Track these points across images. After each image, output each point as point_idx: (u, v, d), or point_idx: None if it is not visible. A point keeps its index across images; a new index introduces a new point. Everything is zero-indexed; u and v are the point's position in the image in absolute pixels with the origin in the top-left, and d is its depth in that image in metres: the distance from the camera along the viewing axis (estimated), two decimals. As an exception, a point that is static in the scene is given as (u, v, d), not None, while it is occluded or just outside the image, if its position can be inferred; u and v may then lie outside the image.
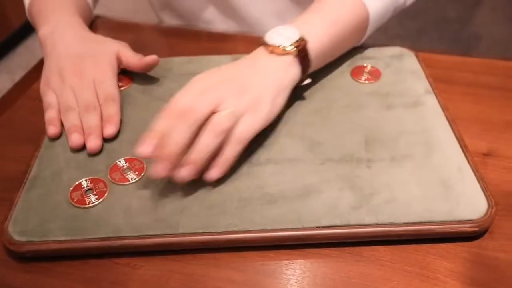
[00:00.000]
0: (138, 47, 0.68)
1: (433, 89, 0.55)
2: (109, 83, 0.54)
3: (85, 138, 0.50)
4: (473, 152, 0.49)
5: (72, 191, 0.45)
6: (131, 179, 0.46)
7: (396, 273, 0.40)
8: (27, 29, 2.22)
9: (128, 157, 0.48)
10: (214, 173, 0.44)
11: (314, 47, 0.51)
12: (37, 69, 0.66)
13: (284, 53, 0.49)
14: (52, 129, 0.51)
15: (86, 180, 0.46)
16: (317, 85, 0.56)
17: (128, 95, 0.56)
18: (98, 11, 0.76)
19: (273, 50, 0.49)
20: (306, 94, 0.55)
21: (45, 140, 0.51)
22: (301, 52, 0.50)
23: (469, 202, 0.43)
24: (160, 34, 0.76)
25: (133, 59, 0.57)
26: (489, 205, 0.42)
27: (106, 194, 0.45)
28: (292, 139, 0.50)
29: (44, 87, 0.55)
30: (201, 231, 0.42)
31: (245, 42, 0.70)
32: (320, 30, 0.53)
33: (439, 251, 0.42)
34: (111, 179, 0.46)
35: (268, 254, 0.42)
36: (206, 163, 0.44)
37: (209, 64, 0.60)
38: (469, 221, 0.42)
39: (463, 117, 0.54)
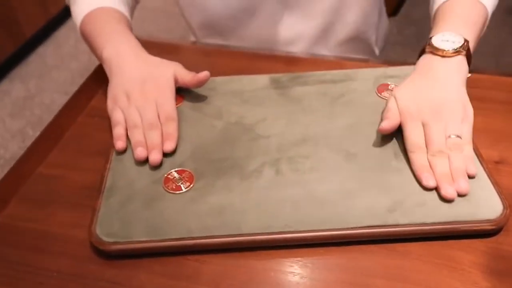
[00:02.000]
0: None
1: (449, 106, 0.63)
2: (168, 105, 0.61)
3: (148, 152, 0.57)
4: (486, 160, 0.56)
5: (165, 182, 0.54)
6: (184, 188, 0.53)
7: (427, 264, 0.48)
8: (39, 38, 2.28)
9: (179, 169, 0.56)
10: None
11: (471, 46, 0.61)
12: (88, 88, 0.73)
13: (456, 54, 0.59)
14: (120, 144, 0.59)
15: (175, 171, 0.55)
16: (348, 103, 0.64)
17: (181, 112, 0.63)
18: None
19: (444, 54, 0.60)
20: (339, 111, 0.63)
21: (114, 154, 0.58)
22: (468, 52, 0.60)
23: (487, 205, 0.50)
24: (193, 54, 0.83)
25: (187, 77, 0.65)
26: (504, 206, 0.50)
27: (192, 184, 0.54)
28: (331, 150, 0.57)
29: (111, 105, 0.62)
30: (260, 231, 0.49)
31: (274, 61, 0.77)
32: (470, 32, 0.62)
33: (462, 246, 0.49)
34: (165, 188, 0.53)
35: (318, 251, 0.50)
36: None
37: (248, 83, 0.68)
38: (488, 220, 0.49)
39: (476, 129, 0.61)
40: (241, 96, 0.66)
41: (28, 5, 2.14)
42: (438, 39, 0.61)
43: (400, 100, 0.58)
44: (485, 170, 0.54)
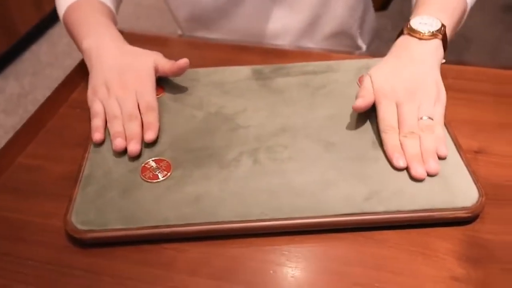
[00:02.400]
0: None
1: (430, 95, 0.63)
2: (149, 94, 0.61)
3: (127, 142, 0.57)
4: (466, 150, 0.56)
5: (142, 171, 0.54)
6: (161, 177, 0.53)
7: (403, 252, 0.48)
8: (33, 35, 2.28)
9: (157, 158, 0.56)
10: None
11: (448, 33, 0.62)
12: (71, 80, 0.73)
13: (433, 37, 0.60)
14: (97, 136, 0.58)
15: (152, 161, 0.55)
16: (329, 94, 0.64)
17: (161, 103, 0.63)
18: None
19: (421, 36, 0.60)
20: (320, 102, 0.63)
21: (92, 144, 0.58)
22: (444, 36, 0.60)
23: (463, 192, 0.50)
24: (179, 46, 0.83)
25: (167, 65, 0.64)
26: (479, 194, 0.50)
27: (169, 173, 0.53)
28: (310, 140, 0.57)
29: (91, 96, 0.62)
30: (237, 219, 0.49)
31: (260, 53, 0.77)
32: (448, 18, 0.63)
33: (438, 234, 0.49)
34: (142, 177, 0.53)
35: (295, 239, 0.50)
36: None
37: (230, 75, 0.68)
38: (463, 208, 0.49)
39: (456, 119, 0.61)
40: (223, 87, 0.66)
41: (22, 2, 2.14)
42: (416, 22, 0.61)
43: (375, 79, 0.59)
44: (462, 158, 0.54)
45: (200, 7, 0.84)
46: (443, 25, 0.61)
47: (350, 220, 0.49)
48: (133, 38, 0.80)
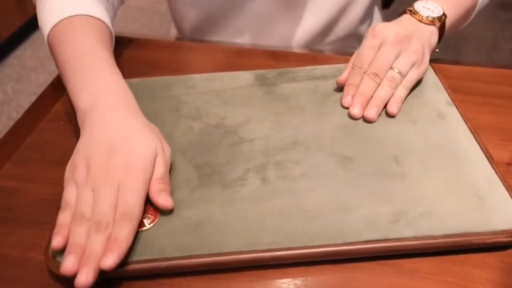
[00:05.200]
0: (157, 64, 0.69)
1: (453, 101, 0.57)
2: (134, 195, 0.44)
3: (79, 266, 0.40)
4: (497, 162, 0.51)
5: None
6: (148, 224, 0.45)
7: (438, 285, 0.42)
8: (16, 40, 2.20)
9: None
10: None
11: (447, 23, 0.62)
12: (54, 89, 0.66)
13: (431, 23, 0.61)
14: (56, 241, 0.41)
15: None
16: (341, 101, 0.58)
17: (155, 114, 0.57)
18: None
19: (421, 19, 0.61)
20: (331, 110, 0.57)
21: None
22: (442, 25, 0.61)
23: (501, 213, 0.44)
24: (177, 50, 0.76)
25: (154, 181, 0.46)
26: (520, 215, 0.44)
27: (157, 218, 0.45)
28: (323, 154, 0.51)
29: (68, 174, 0.47)
30: (245, 249, 0.43)
31: (260, 56, 0.71)
32: (450, 9, 0.63)
33: (475, 262, 0.43)
34: None
35: (311, 269, 0.43)
36: None
37: (230, 81, 0.62)
38: (504, 231, 0.43)
39: (483, 127, 0.56)
40: (222, 95, 0.59)
41: (4, 5, 2.05)
42: (420, 5, 0.62)
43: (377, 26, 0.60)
44: (496, 173, 0.48)
45: (212, 5, 0.78)
46: (444, 14, 0.61)
47: (375, 247, 0.43)
48: (122, 42, 0.73)
